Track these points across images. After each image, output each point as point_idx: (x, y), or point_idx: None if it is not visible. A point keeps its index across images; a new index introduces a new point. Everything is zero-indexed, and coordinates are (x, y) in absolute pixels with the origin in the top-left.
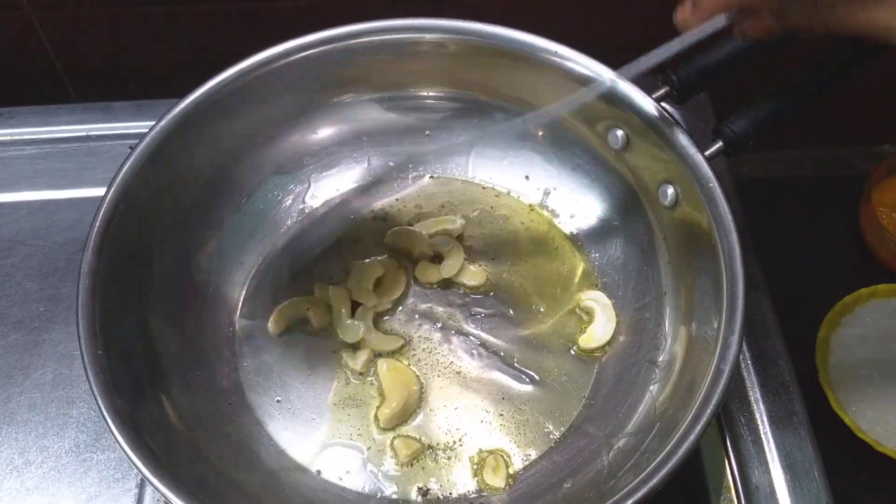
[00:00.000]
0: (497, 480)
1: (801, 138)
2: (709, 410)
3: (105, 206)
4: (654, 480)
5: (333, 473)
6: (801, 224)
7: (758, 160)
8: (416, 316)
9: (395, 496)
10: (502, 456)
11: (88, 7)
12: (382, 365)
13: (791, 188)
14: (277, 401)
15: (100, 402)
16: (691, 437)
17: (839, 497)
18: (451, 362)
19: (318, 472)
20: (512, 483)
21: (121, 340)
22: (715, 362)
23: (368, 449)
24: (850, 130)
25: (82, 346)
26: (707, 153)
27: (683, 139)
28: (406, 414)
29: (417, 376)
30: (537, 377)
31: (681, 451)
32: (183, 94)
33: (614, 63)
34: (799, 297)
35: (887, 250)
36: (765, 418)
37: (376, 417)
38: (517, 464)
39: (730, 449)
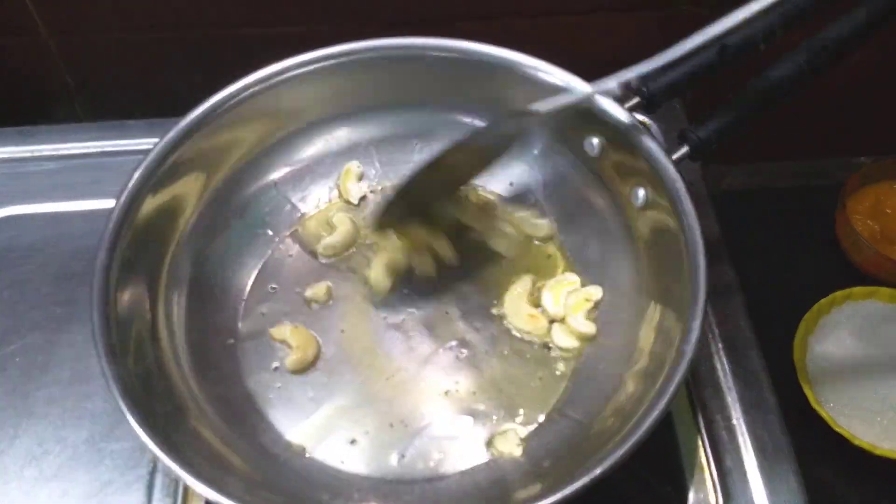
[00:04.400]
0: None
1: (779, 151)
2: (671, 388)
3: (118, 208)
4: (620, 453)
5: (333, 457)
6: (780, 232)
7: (738, 172)
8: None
9: (388, 477)
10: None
11: (102, 32)
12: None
13: (770, 199)
14: (278, 387)
15: (112, 386)
16: (655, 413)
17: (817, 490)
18: (436, 351)
19: (315, 455)
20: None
21: (132, 333)
22: (677, 345)
23: (367, 433)
24: (826, 143)
25: (96, 336)
26: (674, 157)
27: (652, 145)
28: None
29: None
30: (519, 366)
31: (645, 426)
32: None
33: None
34: (778, 301)
35: (861, 255)
36: (737, 405)
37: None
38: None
39: (704, 434)
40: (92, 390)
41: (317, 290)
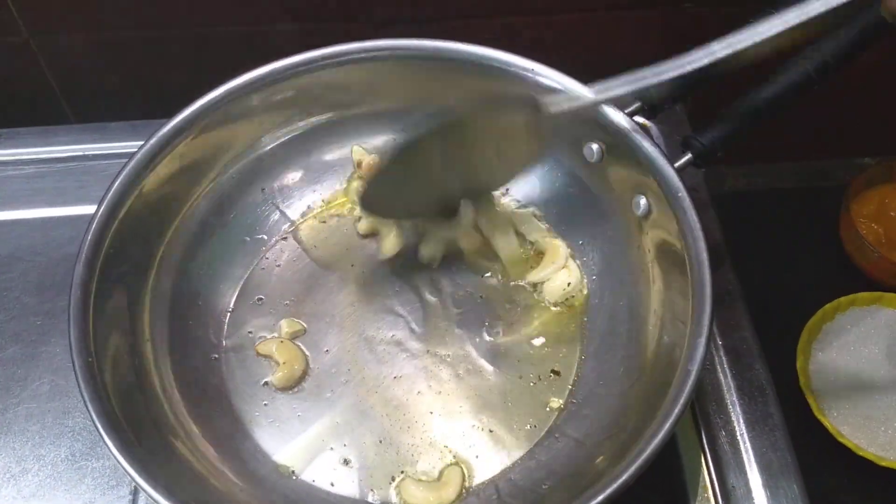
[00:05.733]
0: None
1: (782, 151)
2: (676, 409)
3: (97, 220)
4: (625, 476)
5: (322, 479)
6: (782, 235)
7: (740, 173)
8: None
9: (382, 500)
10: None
11: (84, 32)
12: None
13: (773, 200)
14: (264, 405)
15: (90, 407)
16: (660, 435)
17: (821, 501)
18: (428, 367)
19: (304, 477)
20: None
21: (112, 349)
22: (682, 363)
23: (359, 454)
24: (830, 144)
25: (73, 354)
26: (676, 165)
27: (654, 152)
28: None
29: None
30: (517, 382)
31: (650, 449)
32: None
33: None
34: (781, 306)
35: (866, 259)
36: (741, 420)
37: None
38: (495, 466)
39: (707, 451)
40: (72, 405)
41: (289, 326)
